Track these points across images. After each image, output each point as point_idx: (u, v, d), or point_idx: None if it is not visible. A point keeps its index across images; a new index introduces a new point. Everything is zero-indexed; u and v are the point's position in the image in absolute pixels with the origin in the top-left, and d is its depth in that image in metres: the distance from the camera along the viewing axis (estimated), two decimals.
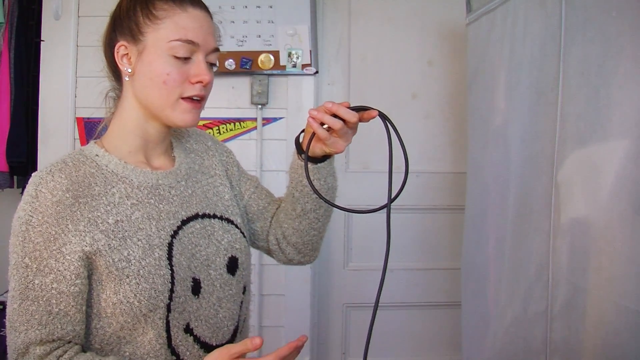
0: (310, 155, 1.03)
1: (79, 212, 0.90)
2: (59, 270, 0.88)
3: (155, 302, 0.91)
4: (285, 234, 1.14)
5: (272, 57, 2.36)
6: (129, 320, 0.91)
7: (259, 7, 2.36)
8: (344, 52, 2.59)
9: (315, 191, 0.99)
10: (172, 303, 0.93)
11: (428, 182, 2.57)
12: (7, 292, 2.86)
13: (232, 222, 1.08)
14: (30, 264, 0.88)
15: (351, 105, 0.96)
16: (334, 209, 1.07)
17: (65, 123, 2.41)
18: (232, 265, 1.05)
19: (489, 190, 1.81)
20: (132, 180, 0.96)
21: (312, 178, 1.02)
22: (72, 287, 0.89)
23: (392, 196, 0.95)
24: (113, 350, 0.93)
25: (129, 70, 0.96)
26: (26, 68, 2.44)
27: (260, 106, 2.41)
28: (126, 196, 0.95)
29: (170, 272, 0.93)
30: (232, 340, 1.04)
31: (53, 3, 2.37)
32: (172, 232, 0.96)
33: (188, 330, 0.97)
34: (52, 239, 0.88)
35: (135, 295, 0.89)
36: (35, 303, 0.87)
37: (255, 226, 1.17)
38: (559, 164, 1.42)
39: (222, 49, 1.10)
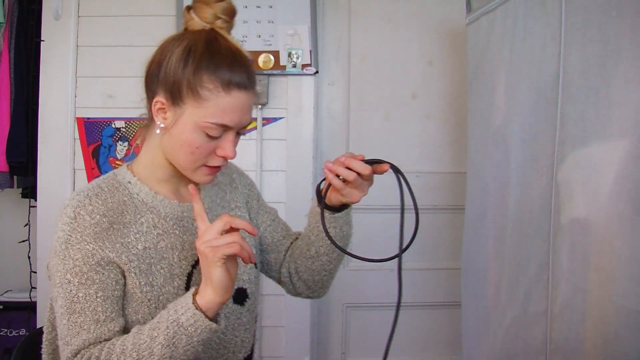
0: (329, 204, 1.08)
1: (113, 236, 0.95)
2: (101, 280, 0.93)
3: None
4: (298, 270, 1.20)
5: (272, 57, 2.36)
6: None
7: (259, 7, 2.36)
8: (344, 52, 2.58)
9: (332, 240, 1.04)
10: None
11: (428, 182, 2.57)
12: (7, 292, 2.83)
13: None
14: (72, 279, 0.92)
15: (366, 158, 1.00)
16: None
17: (65, 123, 2.41)
18: (240, 296, 1.10)
19: (489, 190, 1.81)
20: (159, 210, 1.02)
21: (329, 226, 1.08)
22: (115, 292, 0.94)
23: (403, 247, 0.99)
24: None
25: (162, 125, 0.97)
26: (26, 68, 2.44)
27: (260, 106, 2.41)
28: (153, 226, 1.00)
29: None
30: None
31: (53, 3, 2.37)
32: (194, 263, 1.02)
33: None
34: (90, 254, 0.93)
35: (152, 317, 0.94)
36: (83, 315, 0.91)
37: (269, 257, 1.22)
38: (559, 164, 1.42)
39: None
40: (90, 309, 0.91)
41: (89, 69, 2.41)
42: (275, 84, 2.42)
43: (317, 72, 2.40)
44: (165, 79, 0.95)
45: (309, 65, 2.37)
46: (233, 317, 1.08)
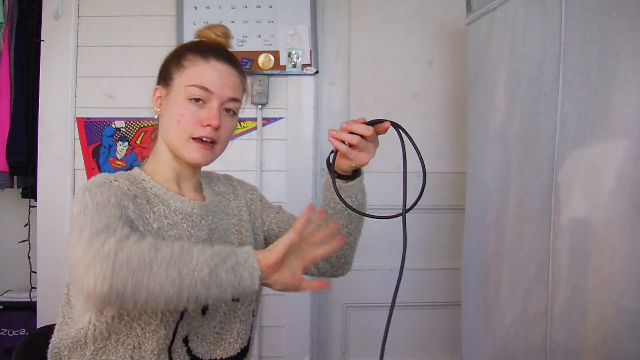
0: (339, 172, 1.13)
1: (136, 206, 1.00)
2: (121, 218, 0.92)
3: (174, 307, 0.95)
4: None
5: (272, 57, 2.36)
6: (149, 312, 0.98)
7: (259, 7, 2.36)
8: (344, 52, 2.58)
9: (344, 202, 1.09)
10: (185, 313, 1.04)
11: (428, 182, 2.54)
12: (7, 292, 2.82)
13: None
14: (94, 205, 0.91)
15: (367, 120, 1.06)
16: (364, 224, 1.20)
17: (65, 123, 2.41)
18: None
19: (489, 190, 1.81)
20: (170, 204, 1.07)
21: (344, 196, 1.12)
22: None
23: (417, 198, 1.08)
24: (123, 331, 0.99)
25: (158, 110, 1.11)
26: (26, 68, 2.44)
27: (260, 106, 2.41)
28: (164, 216, 1.06)
29: None
30: (238, 358, 1.14)
31: (53, 3, 2.37)
32: None
33: (185, 340, 1.06)
34: (114, 196, 0.95)
35: None
36: (105, 219, 0.89)
37: None
38: (559, 164, 1.42)
39: None
40: (111, 216, 0.90)
41: (89, 69, 2.41)
42: (275, 84, 2.42)
43: (317, 72, 2.40)
44: (161, 71, 1.12)
45: (309, 65, 2.37)
46: (231, 313, 1.14)
